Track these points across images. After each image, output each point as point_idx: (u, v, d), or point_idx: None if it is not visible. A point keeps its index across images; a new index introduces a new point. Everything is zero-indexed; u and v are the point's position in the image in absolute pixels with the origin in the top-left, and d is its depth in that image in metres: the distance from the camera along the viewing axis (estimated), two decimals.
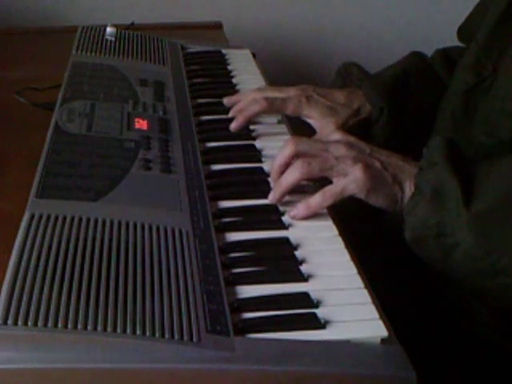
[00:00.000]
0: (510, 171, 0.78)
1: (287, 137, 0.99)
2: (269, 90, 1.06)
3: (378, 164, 0.81)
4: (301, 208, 0.80)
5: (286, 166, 0.83)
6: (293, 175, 0.81)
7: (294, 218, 0.80)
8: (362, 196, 0.79)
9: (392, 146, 1.04)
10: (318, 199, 0.80)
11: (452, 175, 0.75)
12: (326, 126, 1.00)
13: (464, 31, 1.14)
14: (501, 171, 0.78)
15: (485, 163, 0.80)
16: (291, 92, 1.04)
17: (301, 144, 0.83)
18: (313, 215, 0.80)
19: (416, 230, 0.76)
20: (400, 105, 1.06)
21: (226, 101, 1.05)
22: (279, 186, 0.82)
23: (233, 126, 0.99)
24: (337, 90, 1.07)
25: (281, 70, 1.66)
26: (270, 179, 0.87)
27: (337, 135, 0.86)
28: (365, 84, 1.07)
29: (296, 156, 0.82)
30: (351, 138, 0.84)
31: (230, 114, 1.02)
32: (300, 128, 1.04)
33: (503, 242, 0.73)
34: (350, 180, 0.79)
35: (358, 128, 1.03)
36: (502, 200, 0.74)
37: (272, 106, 1.00)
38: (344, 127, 1.01)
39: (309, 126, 1.03)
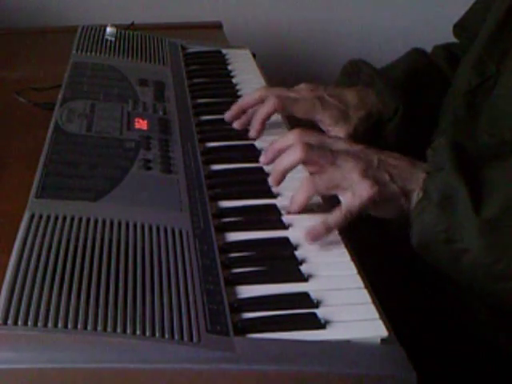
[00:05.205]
0: None
1: None
2: (277, 90, 0.99)
3: (386, 177, 0.78)
4: (319, 228, 0.76)
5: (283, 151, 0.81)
6: (298, 195, 0.79)
7: (312, 239, 0.76)
8: (370, 211, 0.78)
9: (403, 147, 1.02)
10: (339, 218, 0.77)
11: (460, 180, 0.74)
12: (336, 133, 0.97)
13: (460, 28, 1.14)
14: (508, 175, 0.77)
15: (491, 166, 0.79)
16: (302, 92, 0.99)
17: (310, 152, 0.79)
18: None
19: (424, 235, 0.75)
20: (414, 103, 1.03)
21: (228, 116, 0.99)
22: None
23: (252, 135, 0.96)
24: (347, 89, 1.03)
25: (281, 70, 1.66)
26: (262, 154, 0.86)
27: (345, 144, 0.83)
28: (377, 82, 1.03)
29: (302, 162, 0.80)
30: (359, 148, 0.81)
31: (241, 120, 0.99)
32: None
33: None
34: (362, 198, 0.76)
35: (368, 129, 1.01)
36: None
37: (285, 106, 0.96)
38: (355, 135, 0.97)
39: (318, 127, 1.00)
